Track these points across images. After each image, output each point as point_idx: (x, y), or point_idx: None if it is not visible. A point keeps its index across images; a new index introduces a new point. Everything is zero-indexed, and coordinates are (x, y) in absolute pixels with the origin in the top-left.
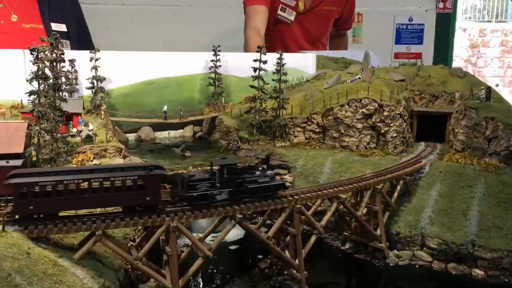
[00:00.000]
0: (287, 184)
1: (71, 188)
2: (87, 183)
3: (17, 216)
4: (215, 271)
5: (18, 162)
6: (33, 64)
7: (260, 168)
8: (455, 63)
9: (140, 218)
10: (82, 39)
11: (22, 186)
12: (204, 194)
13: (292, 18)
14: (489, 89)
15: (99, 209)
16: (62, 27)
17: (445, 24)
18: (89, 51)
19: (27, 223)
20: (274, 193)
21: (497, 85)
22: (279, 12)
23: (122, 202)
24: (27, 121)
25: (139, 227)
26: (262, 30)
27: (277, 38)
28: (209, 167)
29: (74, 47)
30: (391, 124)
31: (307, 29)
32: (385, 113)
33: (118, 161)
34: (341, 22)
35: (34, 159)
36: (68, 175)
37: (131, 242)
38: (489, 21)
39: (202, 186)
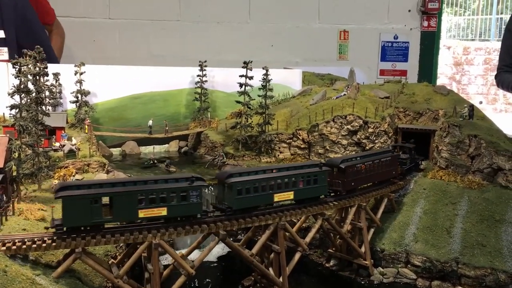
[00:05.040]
0: None
1: (367, 167)
2: (372, 163)
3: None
4: None
5: None
6: (15, 78)
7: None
8: (440, 81)
9: (122, 235)
10: (30, 48)
11: (349, 167)
12: (412, 166)
13: None
14: (472, 107)
15: None
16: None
17: (430, 42)
18: (74, 65)
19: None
20: (419, 165)
21: (480, 103)
22: None
23: (384, 177)
24: (8, 135)
25: (121, 244)
26: None
27: None
28: (393, 149)
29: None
30: (376, 141)
31: None
32: (370, 130)
33: (101, 176)
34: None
35: (14, 173)
36: (362, 158)
37: (112, 259)
38: (473, 40)
39: (407, 162)
